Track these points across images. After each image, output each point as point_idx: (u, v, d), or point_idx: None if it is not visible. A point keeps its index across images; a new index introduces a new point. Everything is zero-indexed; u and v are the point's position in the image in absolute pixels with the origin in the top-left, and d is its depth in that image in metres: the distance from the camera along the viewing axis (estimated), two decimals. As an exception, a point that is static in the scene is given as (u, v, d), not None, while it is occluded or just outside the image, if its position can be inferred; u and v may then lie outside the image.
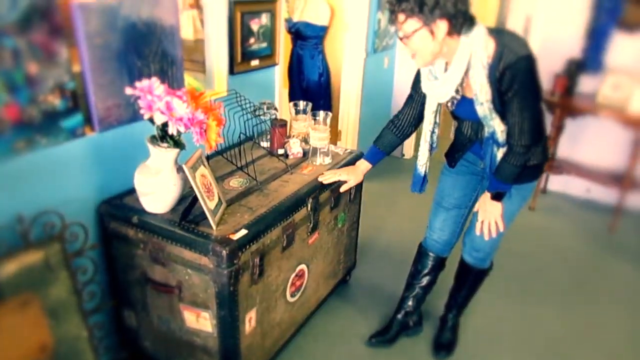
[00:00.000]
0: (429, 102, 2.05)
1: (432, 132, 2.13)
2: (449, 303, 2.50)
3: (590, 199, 4.23)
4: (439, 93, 1.94)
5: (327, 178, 2.26)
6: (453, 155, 2.20)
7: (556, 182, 4.33)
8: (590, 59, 3.79)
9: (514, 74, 1.71)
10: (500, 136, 1.90)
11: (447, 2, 1.65)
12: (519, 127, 1.81)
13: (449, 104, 1.97)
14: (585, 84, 3.87)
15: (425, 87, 2.00)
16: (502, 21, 5.95)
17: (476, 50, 1.75)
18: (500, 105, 1.82)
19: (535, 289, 3.00)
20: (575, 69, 3.83)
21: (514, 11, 5.12)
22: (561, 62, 3.87)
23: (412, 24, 1.71)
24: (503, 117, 1.85)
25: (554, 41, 3.91)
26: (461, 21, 1.71)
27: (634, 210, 3.96)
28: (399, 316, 2.51)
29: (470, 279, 2.36)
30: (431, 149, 2.18)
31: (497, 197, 2.00)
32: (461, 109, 1.96)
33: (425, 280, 2.42)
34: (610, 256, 3.41)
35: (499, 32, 1.78)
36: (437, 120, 2.11)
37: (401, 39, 1.79)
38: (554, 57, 3.87)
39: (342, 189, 2.32)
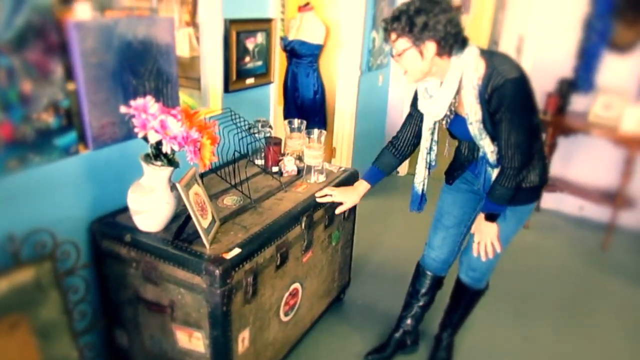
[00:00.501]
0: (426, 120, 2.06)
1: (430, 150, 2.13)
2: (444, 322, 2.48)
3: (583, 217, 4.25)
4: (433, 111, 1.95)
5: (322, 197, 2.26)
6: (452, 173, 2.22)
7: (550, 200, 4.34)
8: (582, 79, 3.84)
9: (501, 96, 1.73)
10: (491, 157, 1.91)
11: (436, 24, 1.69)
12: (508, 149, 1.83)
13: (444, 122, 1.98)
14: (577, 103, 3.91)
15: (421, 105, 2.01)
16: (495, 41, 6.02)
17: (467, 71, 1.78)
18: (491, 125, 1.83)
19: (530, 307, 2.99)
20: (567, 88, 3.87)
21: (507, 31, 5.18)
22: (553, 82, 3.92)
23: (402, 43, 1.76)
24: (494, 138, 1.87)
25: (546, 61, 3.95)
26: (450, 43, 1.73)
27: (627, 228, 3.98)
28: (397, 335, 2.49)
29: (466, 298, 2.35)
30: (429, 167, 2.18)
31: (490, 217, 2.01)
32: (455, 128, 1.98)
33: (423, 300, 2.41)
34: (604, 274, 3.41)
35: (490, 54, 1.80)
36: (435, 139, 2.11)
37: (393, 56, 1.83)
38: (547, 77, 3.92)
39: (338, 211, 2.28)
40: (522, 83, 1.75)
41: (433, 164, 2.19)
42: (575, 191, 4.02)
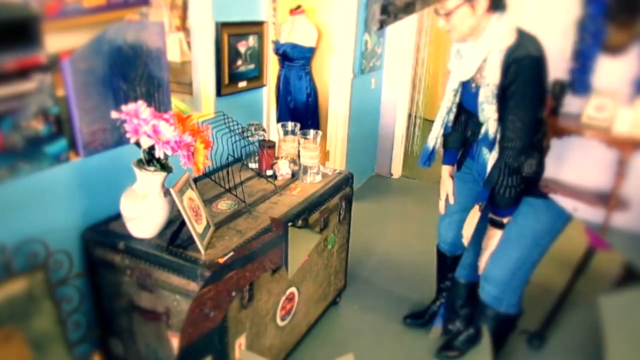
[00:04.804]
0: (452, 80, 2.16)
1: (449, 111, 2.22)
2: None
3: (577, 218, 4.24)
4: (462, 70, 2.04)
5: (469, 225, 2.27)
6: (460, 160, 2.35)
7: (544, 200, 4.34)
8: (578, 81, 3.84)
9: (518, 69, 1.84)
10: (491, 128, 1.97)
11: None
12: (512, 125, 1.90)
13: (473, 85, 2.04)
14: (571, 104, 3.91)
15: (451, 64, 2.13)
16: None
17: (501, 36, 1.89)
18: (500, 99, 1.92)
19: (527, 310, 2.96)
20: (560, 90, 3.88)
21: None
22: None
23: (454, 1, 1.88)
24: (498, 110, 1.95)
25: (538, 61, 3.96)
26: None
27: (620, 229, 3.98)
28: (434, 307, 2.71)
29: (490, 325, 2.19)
30: (445, 127, 2.28)
31: (495, 224, 2.08)
32: (470, 97, 2.09)
33: (450, 276, 2.58)
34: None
35: (523, 30, 1.94)
36: (456, 101, 2.19)
37: (443, 15, 1.93)
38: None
39: (450, 200, 2.39)
40: (540, 64, 1.87)
41: (449, 125, 2.27)
42: (568, 192, 4.01)
